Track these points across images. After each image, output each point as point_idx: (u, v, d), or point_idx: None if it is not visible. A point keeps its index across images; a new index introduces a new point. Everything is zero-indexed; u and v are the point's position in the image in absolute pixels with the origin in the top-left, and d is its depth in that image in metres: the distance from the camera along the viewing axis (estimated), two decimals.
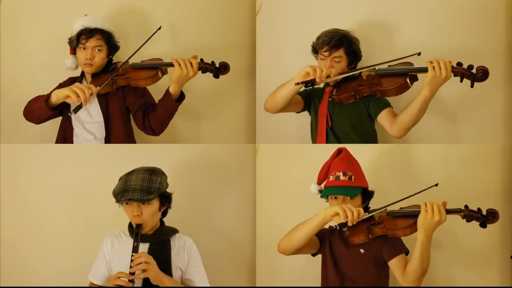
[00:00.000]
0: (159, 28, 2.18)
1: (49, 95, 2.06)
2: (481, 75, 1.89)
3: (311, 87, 2.03)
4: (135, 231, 1.90)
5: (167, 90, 2.08)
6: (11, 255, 2.27)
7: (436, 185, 1.96)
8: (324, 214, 1.86)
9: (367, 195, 2.03)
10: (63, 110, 2.17)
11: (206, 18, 2.39)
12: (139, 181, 1.91)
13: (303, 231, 1.92)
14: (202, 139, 2.44)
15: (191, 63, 2.00)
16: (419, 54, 2.08)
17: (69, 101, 2.04)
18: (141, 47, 2.13)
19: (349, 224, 1.83)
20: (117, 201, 1.92)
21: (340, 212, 1.82)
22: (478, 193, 2.18)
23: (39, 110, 2.09)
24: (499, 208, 1.84)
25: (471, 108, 2.31)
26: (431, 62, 1.88)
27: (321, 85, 2.26)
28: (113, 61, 2.20)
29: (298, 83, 2.01)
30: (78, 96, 1.99)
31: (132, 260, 1.84)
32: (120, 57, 2.21)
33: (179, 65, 2.00)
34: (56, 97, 2.04)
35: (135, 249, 1.86)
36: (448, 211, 1.81)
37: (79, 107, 2.04)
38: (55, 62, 2.28)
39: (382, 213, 1.96)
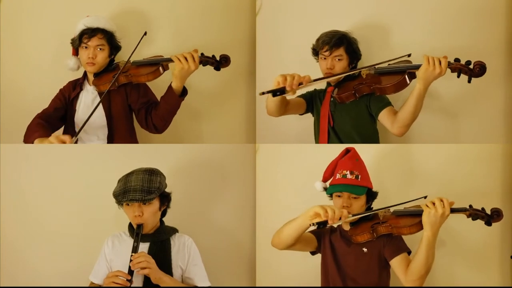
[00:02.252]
0: (145, 34, 2.15)
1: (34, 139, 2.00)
2: (478, 70, 1.87)
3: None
4: (136, 231, 1.90)
5: (170, 86, 2.08)
6: (11, 255, 2.27)
7: (425, 197, 1.95)
8: (304, 216, 1.81)
9: (371, 195, 2.03)
10: (66, 118, 2.18)
11: (206, 18, 2.39)
12: (139, 181, 1.91)
13: (290, 230, 1.88)
14: (202, 139, 2.44)
15: (192, 57, 2.00)
16: (409, 55, 2.11)
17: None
18: (132, 53, 2.11)
19: (330, 223, 1.74)
20: (118, 202, 1.93)
21: (320, 211, 1.75)
22: (478, 193, 2.18)
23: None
24: (499, 208, 1.85)
25: (472, 108, 2.31)
26: (428, 57, 1.88)
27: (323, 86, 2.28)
28: (115, 61, 2.20)
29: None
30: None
31: (131, 260, 1.84)
32: (121, 57, 2.21)
33: (179, 59, 2.00)
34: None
35: (134, 249, 1.86)
36: (454, 210, 1.82)
37: None
38: (55, 62, 2.29)
39: (386, 212, 1.96)
